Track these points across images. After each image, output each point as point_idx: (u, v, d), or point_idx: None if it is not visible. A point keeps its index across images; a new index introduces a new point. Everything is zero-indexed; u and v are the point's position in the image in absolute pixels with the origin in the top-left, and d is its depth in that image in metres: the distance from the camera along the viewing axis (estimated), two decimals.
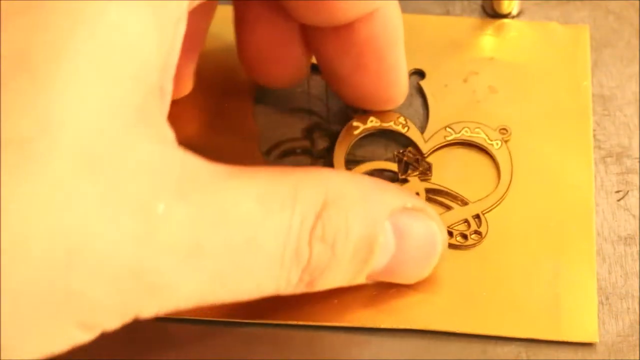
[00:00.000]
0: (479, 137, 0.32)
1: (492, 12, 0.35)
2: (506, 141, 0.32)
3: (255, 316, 0.28)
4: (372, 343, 0.29)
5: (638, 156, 0.32)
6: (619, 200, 0.31)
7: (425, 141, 0.32)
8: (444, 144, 0.32)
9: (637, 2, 0.36)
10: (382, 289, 0.29)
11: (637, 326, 0.29)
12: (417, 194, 0.31)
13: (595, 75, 0.34)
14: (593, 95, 0.33)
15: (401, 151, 0.32)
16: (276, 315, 0.28)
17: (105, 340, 0.23)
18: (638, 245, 0.30)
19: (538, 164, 0.32)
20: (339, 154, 0.32)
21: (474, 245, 0.30)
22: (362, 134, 0.32)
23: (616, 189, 0.32)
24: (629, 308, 0.29)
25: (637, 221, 0.31)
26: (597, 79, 0.34)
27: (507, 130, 0.32)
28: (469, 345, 0.28)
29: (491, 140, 0.32)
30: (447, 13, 0.35)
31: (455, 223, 0.30)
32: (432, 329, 0.29)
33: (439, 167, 0.31)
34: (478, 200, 0.31)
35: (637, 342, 0.28)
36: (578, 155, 0.32)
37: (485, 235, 0.30)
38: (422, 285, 0.29)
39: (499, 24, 0.35)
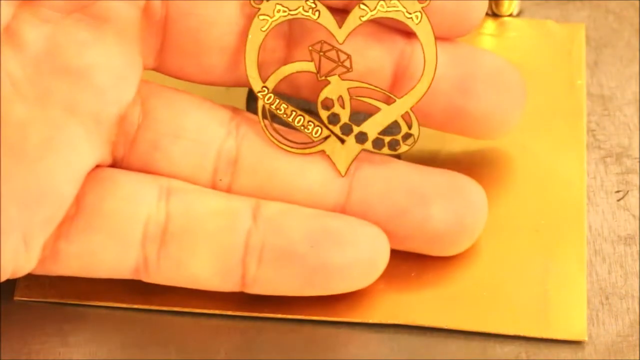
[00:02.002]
0: (397, 12, 0.28)
1: (492, 13, 0.35)
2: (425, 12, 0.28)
3: (254, 310, 0.29)
4: (371, 341, 0.29)
5: (638, 156, 0.32)
6: (619, 200, 0.31)
7: (340, 27, 0.29)
8: (359, 25, 0.29)
9: (637, 2, 0.36)
10: (373, 286, 0.29)
11: (637, 326, 0.29)
12: (340, 97, 0.29)
13: (595, 75, 0.34)
14: (593, 95, 0.33)
15: (316, 44, 0.28)
16: (274, 309, 0.29)
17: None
18: (638, 245, 0.30)
19: (530, 161, 0.32)
20: (251, 57, 0.29)
21: (408, 150, 0.29)
22: (271, 28, 0.28)
23: (616, 189, 0.32)
24: (629, 308, 0.29)
25: (637, 221, 0.31)
26: (597, 79, 0.34)
27: None
28: (469, 345, 0.28)
29: (410, 14, 0.28)
30: None
31: (385, 128, 0.29)
32: (422, 325, 0.29)
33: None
34: (405, 94, 0.29)
35: (637, 342, 0.28)
36: (571, 153, 0.32)
37: (417, 138, 0.29)
38: (411, 283, 0.29)
39: (496, 22, 0.35)
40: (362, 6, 0.28)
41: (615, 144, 0.32)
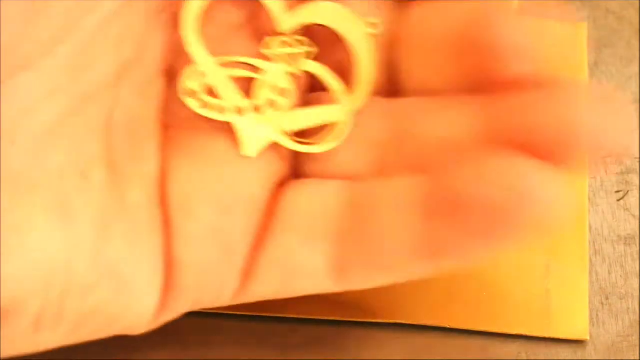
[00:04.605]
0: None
1: None
2: None
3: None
4: (371, 339, 0.29)
5: (638, 156, 0.32)
6: (619, 200, 0.31)
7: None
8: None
9: (637, 2, 0.36)
10: None
11: (637, 326, 0.29)
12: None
13: (595, 75, 0.34)
14: None
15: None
16: (275, 309, 0.29)
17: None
18: (638, 245, 0.30)
19: None
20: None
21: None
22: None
23: (616, 189, 0.32)
24: (629, 308, 0.29)
25: (637, 221, 0.31)
26: (597, 79, 0.34)
27: None
28: (469, 345, 0.28)
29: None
30: None
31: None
32: (422, 324, 0.29)
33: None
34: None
35: (637, 342, 0.28)
36: None
37: None
38: (411, 283, 0.29)
39: None
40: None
41: None
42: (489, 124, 0.25)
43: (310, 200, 0.26)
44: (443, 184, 0.25)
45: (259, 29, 0.27)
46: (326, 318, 0.29)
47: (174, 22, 0.26)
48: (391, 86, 0.27)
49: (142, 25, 0.26)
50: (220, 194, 0.25)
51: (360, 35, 0.27)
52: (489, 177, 0.24)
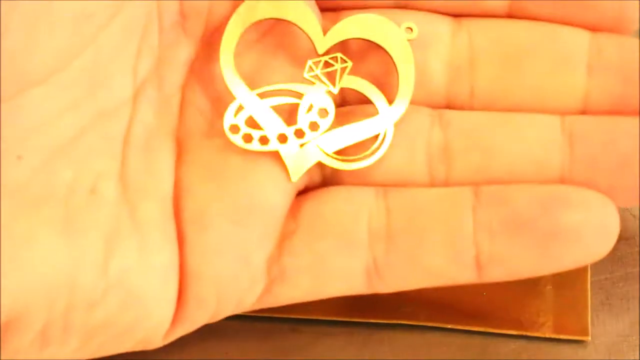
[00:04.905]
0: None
1: None
2: None
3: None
4: (371, 340, 0.29)
5: None
6: None
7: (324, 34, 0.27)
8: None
9: (637, 1, 0.36)
10: None
11: (637, 326, 0.29)
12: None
13: None
14: None
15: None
16: (280, 309, 0.28)
17: None
18: (638, 246, 0.30)
19: None
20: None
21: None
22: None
23: None
24: (629, 308, 0.29)
25: (637, 221, 0.31)
26: None
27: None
28: (469, 344, 0.28)
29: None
30: None
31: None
32: (422, 325, 0.29)
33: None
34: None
35: (637, 342, 0.28)
36: None
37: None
38: None
39: None
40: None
41: None
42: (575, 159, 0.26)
43: (344, 206, 0.26)
44: (508, 202, 0.26)
45: (294, 52, 0.28)
46: (327, 319, 0.29)
47: (192, 38, 0.27)
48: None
49: (160, 41, 0.26)
50: (234, 206, 0.26)
51: (398, 42, 0.27)
52: (556, 205, 0.25)
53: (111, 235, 0.24)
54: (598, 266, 0.30)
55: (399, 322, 0.29)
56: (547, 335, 0.28)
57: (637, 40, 0.28)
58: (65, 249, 0.23)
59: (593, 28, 0.28)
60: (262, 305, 0.27)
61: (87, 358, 0.25)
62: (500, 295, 0.29)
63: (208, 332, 0.28)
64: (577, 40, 0.27)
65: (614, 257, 0.30)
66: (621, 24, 0.27)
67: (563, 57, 0.27)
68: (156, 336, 0.26)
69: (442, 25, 0.28)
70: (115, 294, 0.24)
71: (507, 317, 0.29)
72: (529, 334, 0.28)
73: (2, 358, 0.23)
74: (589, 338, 0.28)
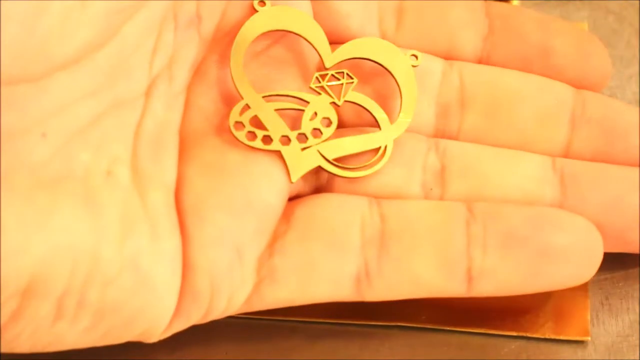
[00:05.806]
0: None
1: None
2: None
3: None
4: (371, 340, 0.29)
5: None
6: None
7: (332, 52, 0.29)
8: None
9: (637, 2, 0.36)
10: None
11: (637, 326, 0.29)
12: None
13: None
14: None
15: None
16: (280, 310, 0.28)
17: None
18: None
19: None
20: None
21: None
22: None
23: None
24: (629, 308, 0.29)
25: None
26: None
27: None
28: (469, 345, 0.28)
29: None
30: None
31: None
32: (422, 325, 0.29)
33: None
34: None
35: (637, 342, 0.28)
36: None
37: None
38: None
39: None
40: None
41: None
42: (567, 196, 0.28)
43: (337, 211, 0.27)
44: (502, 218, 0.27)
45: (301, 64, 0.29)
46: (327, 321, 0.29)
47: (203, 39, 0.28)
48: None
49: (174, 40, 0.27)
50: (232, 199, 0.26)
51: (403, 67, 0.29)
52: (548, 224, 0.27)
53: (126, 217, 0.25)
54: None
55: (399, 324, 0.29)
56: (547, 336, 0.28)
57: (619, 101, 0.30)
58: (87, 220, 0.24)
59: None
60: (250, 308, 0.27)
61: (91, 344, 0.25)
62: (500, 296, 0.29)
63: (208, 332, 0.28)
64: (563, 93, 0.29)
65: (614, 257, 0.30)
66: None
67: (550, 107, 0.29)
68: (157, 329, 0.26)
69: (434, 63, 0.30)
70: (129, 275, 0.24)
71: (507, 318, 0.29)
72: (528, 334, 0.28)
73: (17, 328, 0.23)
74: (589, 338, 0.28)
